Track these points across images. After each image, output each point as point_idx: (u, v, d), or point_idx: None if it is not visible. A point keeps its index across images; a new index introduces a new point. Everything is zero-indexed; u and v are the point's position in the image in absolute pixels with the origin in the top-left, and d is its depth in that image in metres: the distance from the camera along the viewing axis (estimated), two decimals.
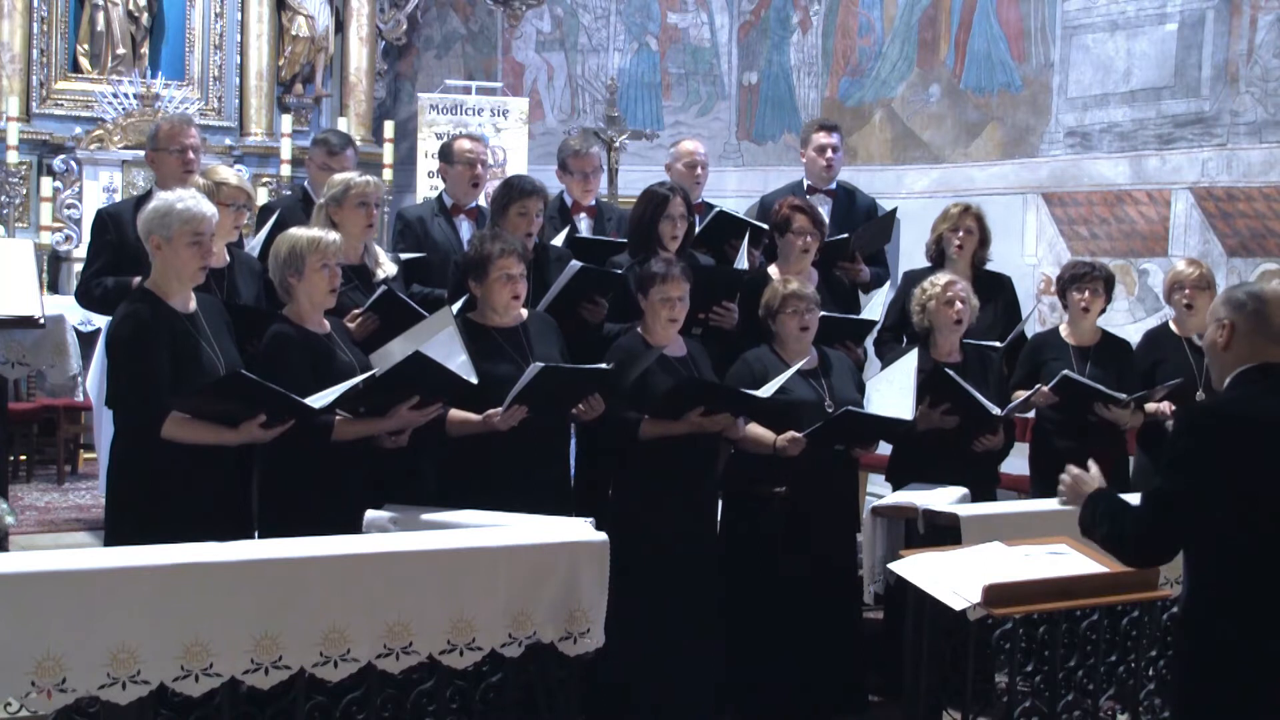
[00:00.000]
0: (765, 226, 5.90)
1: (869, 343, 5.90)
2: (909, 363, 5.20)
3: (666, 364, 4.88)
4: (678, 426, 4.75)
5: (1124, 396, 5.48)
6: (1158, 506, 3.14)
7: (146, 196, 5.06)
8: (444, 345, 4.42)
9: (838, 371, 5.21)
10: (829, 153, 6.38)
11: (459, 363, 4.39)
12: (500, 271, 4.60)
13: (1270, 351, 3.20)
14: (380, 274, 5.03)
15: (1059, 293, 5.90)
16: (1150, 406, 5.57)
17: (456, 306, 4.74)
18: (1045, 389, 5.49)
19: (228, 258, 4.89)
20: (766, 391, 4.78)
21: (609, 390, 4.63)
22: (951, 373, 5.25)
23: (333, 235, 4.41)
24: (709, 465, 5.09)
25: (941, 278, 5.52)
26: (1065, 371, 5.49)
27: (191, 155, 5.26)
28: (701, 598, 4.93)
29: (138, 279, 4.52)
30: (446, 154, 5.86)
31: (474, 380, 4.37)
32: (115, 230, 5.12)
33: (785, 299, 5.07)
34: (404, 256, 5.40)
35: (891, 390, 5.15)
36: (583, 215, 6.06)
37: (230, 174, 5.10)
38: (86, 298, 5.21)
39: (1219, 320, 3.24)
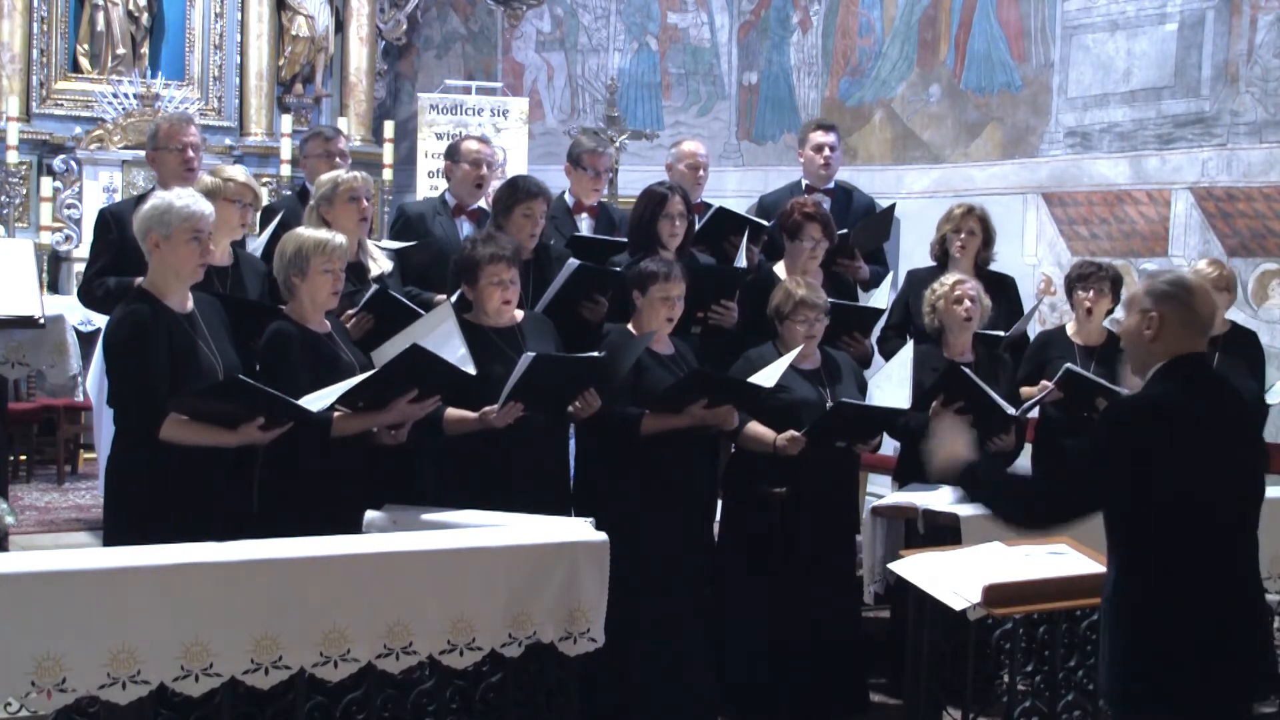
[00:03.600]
0: (766, 224, 5.90)
1: (873, 340, 5.90)
2: (905, 354, 5.23)
3: (659, 361, 4.88)
4: (679, 420, 4.75)
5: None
6: (1075, 475, 3.20)
7: (149, 196, 5.05)
8: (443, 338, 4.41)
9: (842, 374, 5.21)
10: (826, 152, 6.38)
11: (458, 355, 4.38)
12: (490, 277, 4.61)
13: (1196, 342, 3.22)
14: (375, 269, 5.01)
15: (1066, 291, 5.93)
16: None
17: (453, 298, 4.74)
18: (1050, 384, 5.51)
19: (233, 256, 4.86)
20: (770, 380, 4.77)
21: (604, 386, 4.62)
22: (967, 370, 5.25)
23: (340, 239, 4.38)
24: (708, 465, 5.09)
25: (950, 277, 5.54)
26: (1068, 365, 5.51)
27: (192, 154, 5.24)
28: (700, 598, 4.93)
29: (139, 279, 4.52)
30: (453, 153, 5.86)
31: (472, 371, 4.37)
32: (118, 229, 5.10)
33: (796, 306, 5.06)
34: (396, 245, 5.38)
35: (890, 384, 5.17)
36: (584, 215, 6.05)
37: (238, 171, 5.07)
38: (89, 297, 5.20)
39: (1145, 311, 3.21)
